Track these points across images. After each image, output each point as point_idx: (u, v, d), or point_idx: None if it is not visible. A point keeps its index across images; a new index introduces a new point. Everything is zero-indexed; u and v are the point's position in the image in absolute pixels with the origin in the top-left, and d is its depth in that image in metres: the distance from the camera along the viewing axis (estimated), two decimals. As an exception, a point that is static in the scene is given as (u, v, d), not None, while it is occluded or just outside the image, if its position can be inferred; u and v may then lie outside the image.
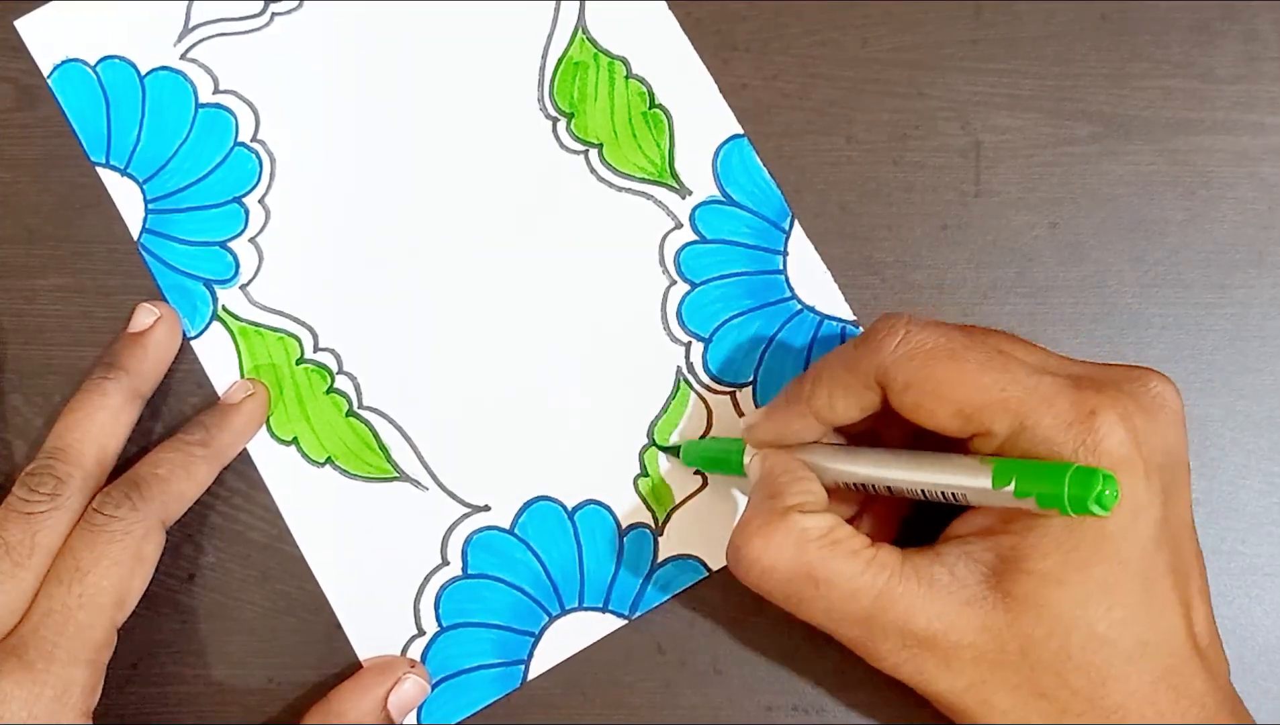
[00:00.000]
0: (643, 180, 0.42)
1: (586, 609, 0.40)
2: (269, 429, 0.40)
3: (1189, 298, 0.42)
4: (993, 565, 0.33)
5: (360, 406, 0.41)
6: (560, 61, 0.42)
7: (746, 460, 0.38)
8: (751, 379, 0.41)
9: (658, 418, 0.40)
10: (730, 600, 0.40)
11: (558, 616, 0.40)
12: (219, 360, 0.41)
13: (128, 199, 0.42)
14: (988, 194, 0.42)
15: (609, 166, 0.42)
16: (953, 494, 0.33)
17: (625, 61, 0.42)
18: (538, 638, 0.39)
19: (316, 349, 0.41)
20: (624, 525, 0.40)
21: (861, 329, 0.41)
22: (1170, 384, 0.34)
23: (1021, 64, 0.43)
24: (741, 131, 0.42)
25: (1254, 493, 0.41)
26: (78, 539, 0.35)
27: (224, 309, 0.41)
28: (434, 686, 0.39)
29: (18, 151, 0.42)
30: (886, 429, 0.37)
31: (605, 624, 0.40)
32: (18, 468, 0.40)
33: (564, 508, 0.40)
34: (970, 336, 0.34)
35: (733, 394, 0.41)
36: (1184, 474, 0.34)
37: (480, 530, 0.40)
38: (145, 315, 0.40)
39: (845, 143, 0.42)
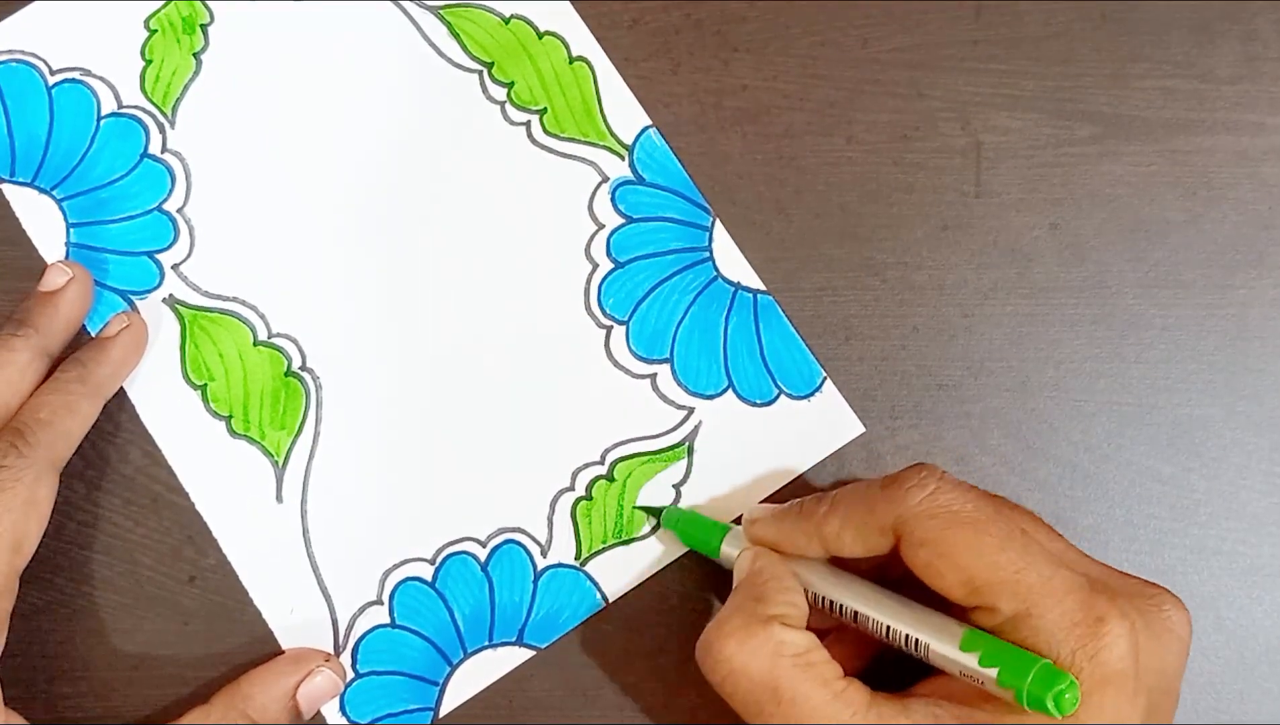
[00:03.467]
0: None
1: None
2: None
3: (1189, 298, 0.42)
4: None
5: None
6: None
7: (729, 550, 0.37)
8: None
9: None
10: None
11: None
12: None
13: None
14: (988, 194, 0.42)
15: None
16: (916, 644, 0.33)
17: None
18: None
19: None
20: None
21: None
22: (1184, 610, 0.33)
23: (1022, 64, 0.43)
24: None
25: (1255, 493, 0.41)
26: None
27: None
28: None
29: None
30: (888, 576, 0.36)
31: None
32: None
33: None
34: (997, 510, 0.33)
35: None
36: (1172, 702, 0.33)
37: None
38: (58, 275, 0.39)
39: (845, 143, 0.42)
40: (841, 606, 0.35)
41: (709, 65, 0.43)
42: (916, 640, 0.33)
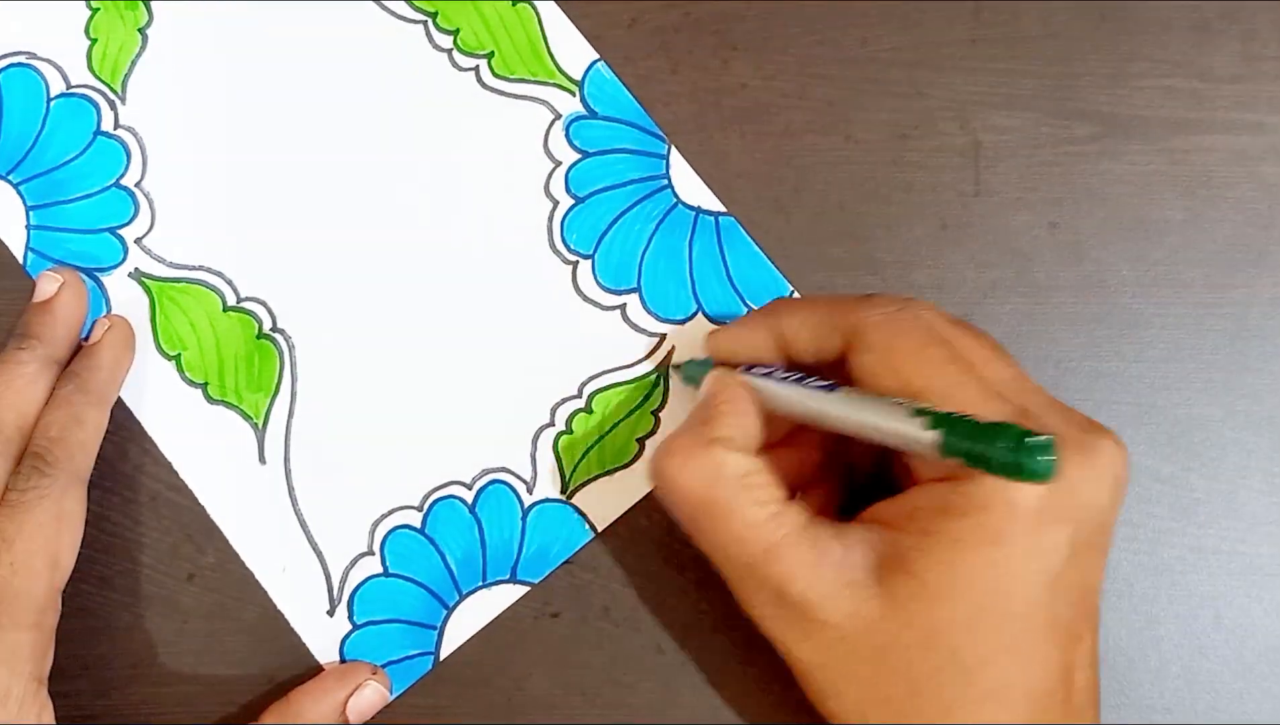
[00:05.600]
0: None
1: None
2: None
3: (1189, 297, 0.42)
4: (885, 557, 0.32)
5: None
6: None
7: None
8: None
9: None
10: (730, 601, 0.40)
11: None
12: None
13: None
14: (987, 193, 0.42)
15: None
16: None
17: None
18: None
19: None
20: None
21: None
22: (1122, 451, 0.33)
23: (1021, 63, 0.43)
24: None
25: (1254, 492, 0.41)
26: None
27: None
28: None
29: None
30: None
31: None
32: (17, 468, 0.40)
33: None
34: (955, 333, 0.34)
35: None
36: (1102, 539, 0.33)
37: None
38: (49, 283, 0.39)
39: (844, 142, 0.42)
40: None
41: (707, 64, 0.43)
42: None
